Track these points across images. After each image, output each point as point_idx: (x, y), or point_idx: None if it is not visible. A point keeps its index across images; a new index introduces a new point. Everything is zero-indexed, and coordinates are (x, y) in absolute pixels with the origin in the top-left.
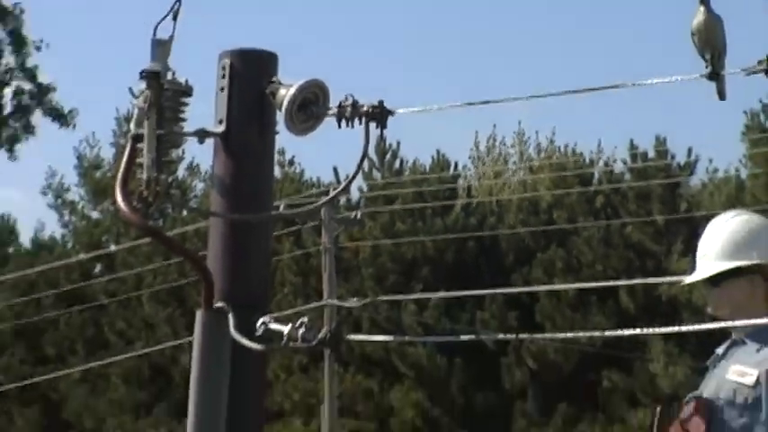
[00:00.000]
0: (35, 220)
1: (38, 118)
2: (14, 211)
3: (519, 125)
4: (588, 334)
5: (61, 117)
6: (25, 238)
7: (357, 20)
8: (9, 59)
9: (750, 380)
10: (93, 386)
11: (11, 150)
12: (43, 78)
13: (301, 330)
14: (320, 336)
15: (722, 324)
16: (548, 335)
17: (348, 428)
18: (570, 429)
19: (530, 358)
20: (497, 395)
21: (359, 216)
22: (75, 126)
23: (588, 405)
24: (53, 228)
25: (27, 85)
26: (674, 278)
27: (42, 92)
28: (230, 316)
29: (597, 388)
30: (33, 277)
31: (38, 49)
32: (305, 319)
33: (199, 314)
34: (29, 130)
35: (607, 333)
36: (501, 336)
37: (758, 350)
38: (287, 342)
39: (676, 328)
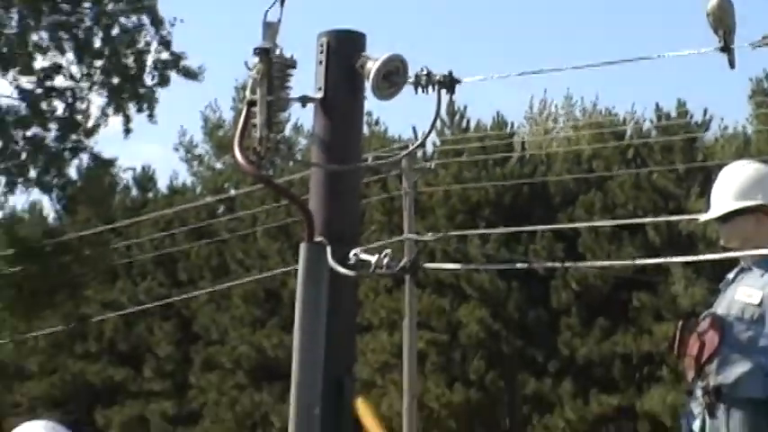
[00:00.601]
0: (170, 169)
1: (173, 82)
2: (153, 162)
3: (567, 91)
4: (621, 263)
5: (193, 75)
6: (162, 185)
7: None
8: (149, 30)
9: (756, 299)
10: (218, 305)
11: (151, 116)
12: (176, 48)
13: (386, 260)
14: (401, 264)
15: (732, 254)
16: (588, 263)
17: (425, 339)
18: (606, 339)
19: (573, 282)
20: (547, 312)
21: (432, 166)
22: (204, 79)
23: (621, 320)
24: (184, 176)
25: (164, 55)
26: (692, 216)
27: (176, 59)
28: (328, 248)
29: (628, 306)
30: (169, 217)
31: (172, 25)
32: (389, 251)
33: (302, 247)
34: (164, 84)
35: (637, 261)
36: (549, 264)
37: (762, 275)
38: (374, 269)
39: (694, 258)
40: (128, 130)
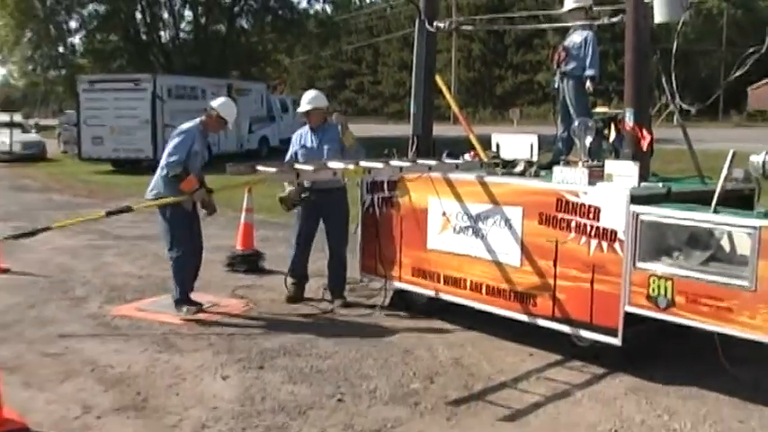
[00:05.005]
0: None
1: None
2: None
3: None
4: (533, 27)
5: None
6: None
7: None
8: None
9: (579, 39)
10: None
11: None
12: None
13: (447, 25)
14: (452, 27)
15: (572, 24)
16: (521, 27)
17: (460, 54)
18: (529, 51)
19: (514, 34)
20: (502, 45)
21: None
22: None
23: (534, 51)
24: None
25: None
26: (559, 11)
27: None
28: (426, 21)
29: (537, 44)
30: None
31: None
32: (446, 23)
33: (417, 21)
34: None
35: (538, 27)
36: (519, 25)
37: (581, 32)
38: (442, 29)
39: (556, 25)
40: None
